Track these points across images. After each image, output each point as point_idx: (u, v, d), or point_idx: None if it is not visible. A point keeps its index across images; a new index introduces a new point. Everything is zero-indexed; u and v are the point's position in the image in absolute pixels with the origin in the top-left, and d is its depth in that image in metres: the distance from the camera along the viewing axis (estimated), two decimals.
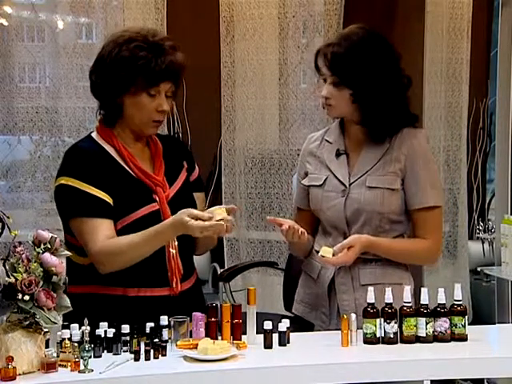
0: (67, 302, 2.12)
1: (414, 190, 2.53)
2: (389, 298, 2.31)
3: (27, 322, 2.06)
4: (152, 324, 2.24)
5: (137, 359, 2.15)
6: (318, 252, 2.55)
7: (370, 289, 2.33)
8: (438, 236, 2.60)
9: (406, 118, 2.56)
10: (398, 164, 2.53)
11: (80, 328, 2.14)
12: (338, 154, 2.60)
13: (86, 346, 2.08)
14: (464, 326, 2.32)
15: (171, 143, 2.65)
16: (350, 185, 2.55)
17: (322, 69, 2.52)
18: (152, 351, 2.16)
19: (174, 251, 2.45)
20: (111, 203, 2.40)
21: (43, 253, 2.08)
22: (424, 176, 2.53)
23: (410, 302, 2.31)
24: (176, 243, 2.45)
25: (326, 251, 2.44)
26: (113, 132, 2.49)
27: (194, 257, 2.63)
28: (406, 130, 2.55)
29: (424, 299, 2.31)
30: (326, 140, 2.65)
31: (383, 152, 2.55)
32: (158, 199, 2.46)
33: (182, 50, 2.47)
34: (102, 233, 2.37)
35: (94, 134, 2.53)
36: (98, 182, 2.40)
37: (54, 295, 2.08)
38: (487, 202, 4.65)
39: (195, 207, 2.46)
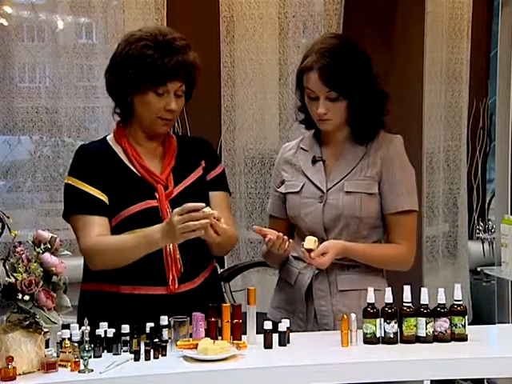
0: (67, 301, 2.12)
1: (389, 194, 2.54)
2: (389, 298, 2.31)
3: (27, 322, 2.07)
4: (152, 324, 2.24)
5: (137, 359, 2.15)
6: (294, 258, 2.57)
7: (370, 289, 2.33)
8: (412, 241, 2.59)
9: (383, 114, 2.57)
10: (375, 168, 2.54)
11: (80, 328, 2.14)
12: (314, 161, 2.60)
13: (86, 346, 2.08)
14: (464, 326, 2.32)
15: (192, 143, 2.63)
16: (327, 190, 2.55)
17: (314, 86, 2.48)
18: (152, 351, 2.16)
19: (170, 247, 2.42)
20: (106, 201, 2.41)
21: (43, 253, 2.09)
22: (399, 180, 2.54)
23: (409, 302, 2.31)
24: None
25: (309, 241, 2.41)
26: (125, 131, 2.51)
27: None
28: (382, 135, 2.57)
29: (424, 299, 2.31)
30: (302, 148, 2.66)
31: (360, 157, 2.56)
32: (157, 196, 2.46)
33: None
34: (93, 230, 2.38)
35: (108, 136, 2.55)
36: (95, 180, 2.41)
37: (54, 295, 2.08)
38: (487, 202, 4.64)
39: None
